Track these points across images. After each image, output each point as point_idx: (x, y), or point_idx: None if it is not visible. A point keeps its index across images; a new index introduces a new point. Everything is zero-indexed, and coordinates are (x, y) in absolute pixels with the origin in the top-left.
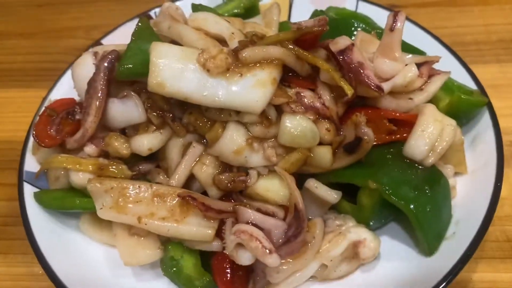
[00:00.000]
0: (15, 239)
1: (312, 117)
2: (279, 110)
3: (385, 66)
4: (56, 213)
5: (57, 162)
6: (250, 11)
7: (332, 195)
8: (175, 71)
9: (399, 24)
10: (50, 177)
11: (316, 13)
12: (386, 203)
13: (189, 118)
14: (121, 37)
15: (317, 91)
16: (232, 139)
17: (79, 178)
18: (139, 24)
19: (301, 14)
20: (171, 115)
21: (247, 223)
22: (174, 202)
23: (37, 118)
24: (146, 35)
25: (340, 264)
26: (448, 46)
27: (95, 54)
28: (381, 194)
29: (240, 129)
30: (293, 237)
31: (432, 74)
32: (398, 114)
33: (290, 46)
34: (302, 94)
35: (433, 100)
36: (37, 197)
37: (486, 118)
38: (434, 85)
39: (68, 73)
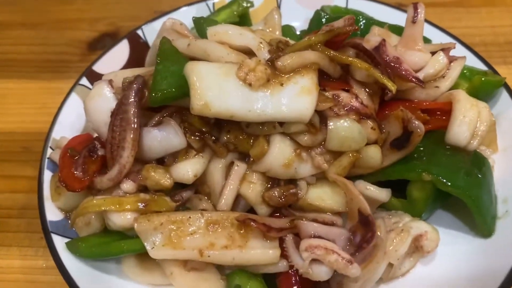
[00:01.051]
0: (19, 231)
1: (355, 118)
2: (322, 115)
3: (415, 57)
4: (93, 260)
5: (95, 206)
6: (242, 19)
7: (383, 194)
8: (219, 90)
9: (420, 15)
10: (78, 223)
11: (317, 14)
12: (437, 193)
13: (228, 136)
14: (112, 61)
15: (352, 91)
16: (281, 152)
17: (122, 219)
18: (162, 44)
19: (290, 15)
20: (211, 136)
21: (311, 236)
22: (231, 228)
23: (48, 157)
24: (171, 55)
25: (404, 261)
26: (455, 36)
27: (110, 82)
28: (436, 184)
29: (285, 140)
30: (365, 243)
31: (450, 60)
32: (431, 104)
33: (323, 49)
34: (339, 96)
35: (453, 86)
36: (72, 246)
37: (505, 96)
38: (455, 71)
39: (68, 104)
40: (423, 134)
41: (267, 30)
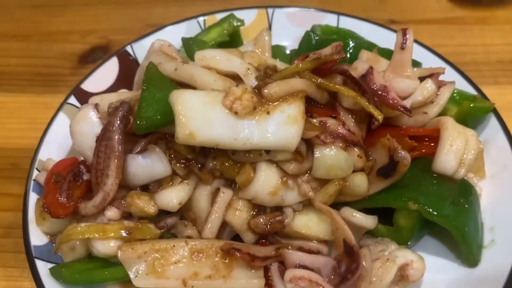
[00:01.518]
0: (4, 251)
1: (342, 145)
2: (308, 143)
3: (403, 85)
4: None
5: (78, 234)
6: (233, 37)
7: (369, 221)
8: (204, 119)
9: (409, 41)
10: (63, 248)
11: (307, 35)
12: (424, 220)
13: (214, 163)
14: (101, 79)
15: (340, 118)
16: (267, 180)
17: (106, 247)
18: (149, 68)
19: (280, 34)
20: (197, 163)
21: (296, 266)
22: (216, 256)
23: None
24: (157, 80)
25: None
26: (445, 58)
27: (96, 106)
28: (422, 214)
29: (272, 168)
30: (350, 274)
31: (439, 85)
32: (419, 130)
33: (310, 76)
34: (326, 123)
35: (442, 111)
36: (56, 272)
37: (493, 122)
38: (444, 96)
39: (55, 124)
40: (409, 165)
41: (257, 51)
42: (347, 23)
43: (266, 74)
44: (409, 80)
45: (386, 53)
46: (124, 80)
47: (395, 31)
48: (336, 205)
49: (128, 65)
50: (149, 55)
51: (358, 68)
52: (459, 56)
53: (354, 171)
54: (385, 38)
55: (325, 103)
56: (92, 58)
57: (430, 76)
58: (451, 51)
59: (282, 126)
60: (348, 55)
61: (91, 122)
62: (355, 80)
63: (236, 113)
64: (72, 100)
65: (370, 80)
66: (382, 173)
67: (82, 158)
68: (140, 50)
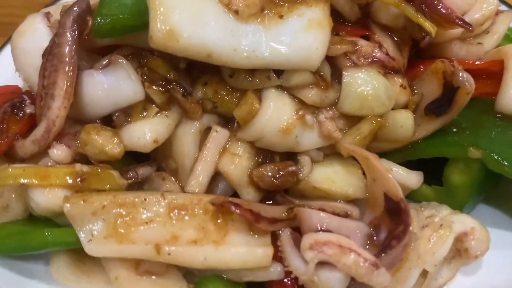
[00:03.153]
0: None
1: (380, 71)
2: (334, 66)
3: None
4: (13, 259)
5: (9, 178)
6: None
7: (413, 178)
8: (191, 13)
9: None
10: None
11: None
12: (485, 178)
13: (205, 90)
14: None
15: (375, 39)
16: (278, 113)
17: (49, 198)
18: None
19: None
20: (180, 88)
21: (317, 230)
22: (204, 215)
23: None
24: None
25: (442, 269)
26: None
27: (47, 15)
28: (487, 164)
29: (284, 97)
30: (394, 240)
31: (496, 13)
32: (474, 63)
33: None
34: (358, 44)
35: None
36: None
37: None
38: (502, 25)
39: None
40: (472, 92)
41: None
42: None
43: None
44: None
45: None
46: None
47: None
48: None
49: None
50: None
51: None
52: None
53: (394, 108)
54: None
55: (355, 20)
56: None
57: None
58: None
59: (300, 33)
60: None
61: (38, 34)
62: None
63: (236, 12)
64: None
65: None
66: (433, 110)
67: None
68: None
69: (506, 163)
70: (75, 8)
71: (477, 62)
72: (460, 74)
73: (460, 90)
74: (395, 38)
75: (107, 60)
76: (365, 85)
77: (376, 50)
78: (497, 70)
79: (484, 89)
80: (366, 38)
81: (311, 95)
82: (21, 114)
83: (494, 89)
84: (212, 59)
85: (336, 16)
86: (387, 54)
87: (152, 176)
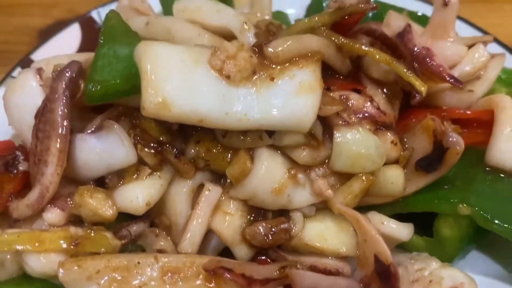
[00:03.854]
0: None
1: (371, 128)
2: (326, 124)
3: (447, 50)
4: None
5: (4, 244)
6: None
7: (403, 231)
8: (183, 82)
9: None
10: None
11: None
12: (474, 231)
13: (197, 149)
14: (58, 50)
15: (366, 92)
16: (270, 173)
17: (43, 263)
18: (108, 17)
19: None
20: (173, 149)
21: None
22: (197, 279)
23: None
24: (119, 33)
25: None
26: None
27: (39, 71)
28: (476, 220)
29: (276, 156)
30: None
31: None
32: (465, 112)
33: (329, 34)
34: (349, 98)
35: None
36: None
37: None
38: (493, 71)
39: None
40: (461, 153)
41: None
42: None
43: (269, 32)
44: (455, 45)
45: (418, 19)
46: (88, 51)
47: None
48: (360, 209)
49: (92, 34)
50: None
51: (392, 25)
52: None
53: (385, 163)
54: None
55: (346, 74)
56: (53, 34)
57: (477, 45)
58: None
59: (292, 96)
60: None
61: (31, 92)
62: (387, 41)
63: (228, 77)
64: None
65: (409, 40)
66: (423, 166)
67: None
68: None
69: (496, 221)
70: (67, 73)
71: (468, 112)
72: (450, 135)
73: (450, 150)
74: (386, 91)
75: (99, 121)
76: (356, 145)
77: (367, 105)
78: (488, 119)
79: (475, 138)
80: (358, 91)
81: (303, 156)
82: (14, 171)
83: (485, 138)
84: (204, 124)
85: (327, 69)
86: (378, 108)
87: (145, 232)
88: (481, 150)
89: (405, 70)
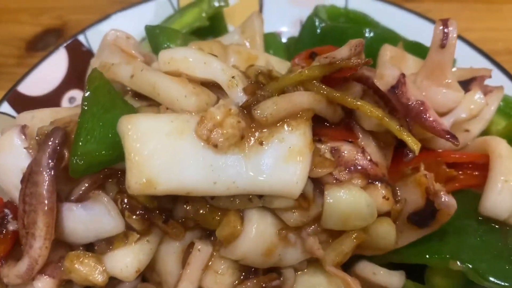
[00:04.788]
0: None
1: (362, 183)
2: (316, 180)
3: (442, 98)
4: None
5: None
6: (214, 21)
7: (395, 280)
8: (169, 158)
9: (451, 37)
10: None
11: (310, 21)
12: (465, 281)
13: (187, 210)
14: (45, 78)
15: (358, 143)
16: (260, 236)
17: None
18: (91, 78)
19: (276, 16)
20: (161, 214)
21: None
22: None
23: None
24: (103, 97)
25: None
26: (476, 46)
27: (23, 129)
28: (467, 276)
29: (267, 217)
30: None
31: (483, 91)
32: (461, 156)
33: (319, 88)
34: (340, 150)
35: None
36: None
37: None
38: (490, 109)
39: None
40: (453, 212)
41: (245, 42)
42: (357, 3)
43: (258, 84)
44: (451, 91)
45: (414, 48)
46: (75, 77)
47: (413, 12)
48: (351, 257)
49: (80, 58)
50: (101, 51)
51: (385, 76)
52: (489, 43)
53: (377, 215)
54: (402, 21)
55: (339, 121)
56: (42, 44)
57: (473, 80)
58: (479, 36)
59: (281, 163)
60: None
61: (15, 153)
62: (380, 93)
63: (215, 146)
64: (5, 107)
65: (403, 94)
66: (415, 221)
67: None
68: (95, 38)
69: (488, 278)
70: (50, 143)
71: (463, 156)
72: (442, 197)
73: (441, 211)
74: (379, 140)
75: (86, 185)
76: (347, 205)
77: (359, 156)
78: (483, 162)
79: (471, 181)
80: (350, 140)
81: (293, 219)
82: (3, 232)
83: (481, 181)
84: (192, 194)
85: (319, 118)
86: (370, 160)
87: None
88: (476, 194)
89: (398, 127)
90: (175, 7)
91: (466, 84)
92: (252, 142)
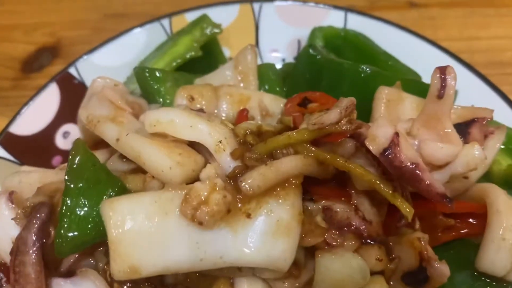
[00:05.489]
0: None
1: (354, 244)
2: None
3: (438, 153)
4: None
5: None
6: (210, 46)
7: None
8: (153, 240)
9: (449, 87)
10: None
11: (305, 53)
12: None
13: (176, 277)
14: (37, 114)
15: (351, 201)
16: None
17: None
18: (74, 151)
19: (272, 37)
20: (150, 285)
21: None
22: None
23: None
24: (86, 170)
25: None
26: (481, 73)
27: (11, 196)
28: None
29: (257, 284)
30: None
31: (484, 134)
32: (458, 206)
33: (309, 150)
34: (332, 209)
35: None
36: None
37: None
38: (491, 152)
39: None
40: (445, 280)
41: (238, 78)
42: (356, 22)
43: (247, 145)
44: (448, 146)
45: (411, 85)
46: (68, 111)
47: (413, 33)
48: None
49: (72, 91)
50: (89, 99)
51: (377, 139)
52: (497, 53)
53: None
54: (402, 41)
55: (331, 177)
56: (37, 64)
57: (473, 122)
58: (487, 46)
59: (269, 237)
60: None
61: (3, 223)
62: (372, 154)
63: (201, 223)
64: None
65: (395, 157)
66: (408, 282)
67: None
68: (87, 70)
69: None
70: (35, 221)
71: (461, 206)
72: (434, 266)
73: (433, 278)
74: (372, 197)
75: (75, 257)
76: (339, 272)
77: (352, 215)
78: (482, 212)
79: (469, 231)
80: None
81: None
82: None
83: (479, 230)
84: (178, 272)
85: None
86: (363, 219)
87: None
88: (473, 245)
89: (390, 192)
90: (167, 31)
91: (466, 127)
92: (239, 214)
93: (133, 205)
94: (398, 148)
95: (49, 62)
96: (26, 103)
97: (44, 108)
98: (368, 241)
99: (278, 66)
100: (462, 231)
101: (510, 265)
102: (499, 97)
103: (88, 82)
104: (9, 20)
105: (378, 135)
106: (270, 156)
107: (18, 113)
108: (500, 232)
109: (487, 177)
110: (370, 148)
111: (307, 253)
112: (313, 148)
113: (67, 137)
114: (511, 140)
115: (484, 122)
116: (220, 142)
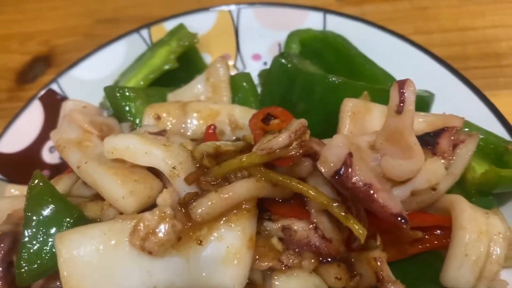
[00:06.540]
0: None
1: (313, 263)
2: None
3: (397, 170)
4: None
5: None
6: (188, 55)
7: None
8: (104, 271)
9: (408, 103)
10: None
11: (277, 62)
12: None
13: None
14: (22, 133)
15: (310, 219)
16: None
17: None
18: (33, 183)
19: (251, 41)
20: None
21: None
22: None
23: None
24: (45, 201)
25: None
26: (457, 70)
27: None
28: None
29: None
30: None
31: (455, 143)
32: (424, 219)
33: (263, 173)
34: (291, 228)
35: None
36: None
37: None
38: (460, 163)
39: None
40: None
41: (209, 90)
42: (335, 24)
43: (202, 169)
44: (407, 163)
45: (380, 94)
46: (53, 127)
47: (395, 34)
48: None
49: (55, 107)
50: (62, 121)
51: (328, 161)
52: (492, 44)
53: None
54: (383, 42)
55: (290, 196)
56: (32, 74)
57: (442, 131)
58: (480, 36)
59: (219, 264)
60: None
61: None
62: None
63: (150, 253)
64: None
65: (348, 178)
66: None
67: None
68: (69, 85)
69: None
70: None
71: (427, 217)
72: (388, 287)
73: None
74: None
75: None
76: None
77: (311, 234)
78: (449, 224)
79: (435, 243)
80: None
81: None
82: None
83: (446, 243)
84: None
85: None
86: (323, 237)
87: None
88: (440, 256)
89: (343, 213)
90: (148, 42)
91: (434, 137)
92: (190, 242)
93: (82, 238)
94: (350, 170)
95: (43, 71)
96: (10, 122)
97: (28, 126)
98: (328, 259)
99: (263, 68)
100: (430, 244)
101: (474, 280)
102: (475, 95)
103: (71, 97)
104: (5, 30)
105: (330, 156)
106: (224, 179)
107: (3, 131)
108: (463, 249)
109: (461, 184)
110: (322, 170)
111: (266, 273)
112: (266, 171)
113: (53, 151)
114: (488, 145)
115: (453, 131)
116: (174, 167)
